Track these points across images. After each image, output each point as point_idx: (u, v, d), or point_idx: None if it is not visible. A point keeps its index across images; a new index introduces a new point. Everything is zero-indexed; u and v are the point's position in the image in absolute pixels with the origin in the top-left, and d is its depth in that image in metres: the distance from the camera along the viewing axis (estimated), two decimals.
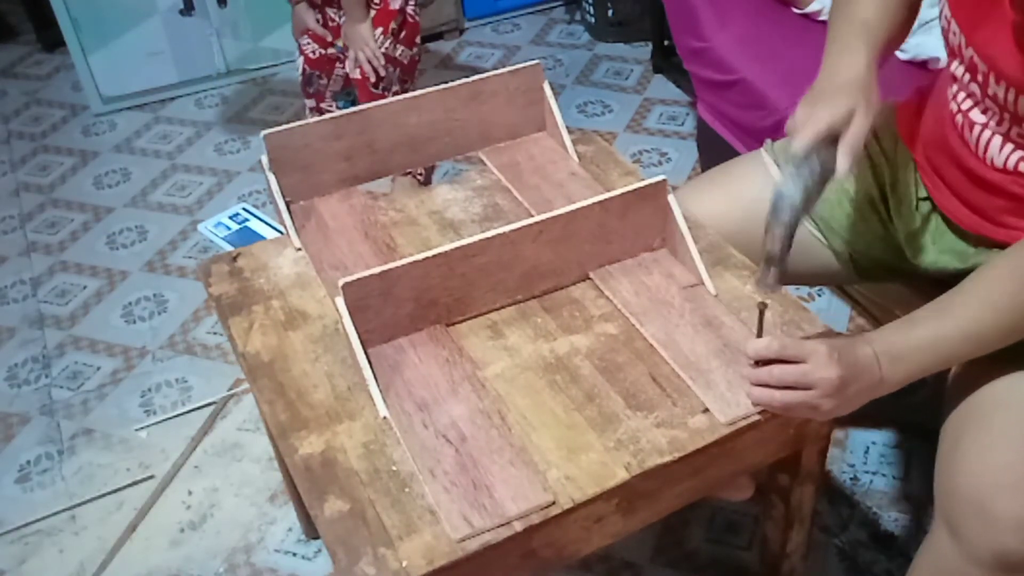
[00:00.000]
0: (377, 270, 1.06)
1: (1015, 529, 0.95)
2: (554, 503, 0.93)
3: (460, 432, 1.00)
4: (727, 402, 1.02)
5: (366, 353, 1.06)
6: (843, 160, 0.98)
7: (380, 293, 1.07)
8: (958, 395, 1.06)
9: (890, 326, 1.02)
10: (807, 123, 0.99)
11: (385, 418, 1.03)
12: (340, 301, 1.05)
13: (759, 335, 1.01)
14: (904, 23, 1.15)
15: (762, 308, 1.00)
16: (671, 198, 1.17)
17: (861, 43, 1.08)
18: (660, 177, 1.17)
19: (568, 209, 1.13)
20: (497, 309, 1.16)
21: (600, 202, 1.14)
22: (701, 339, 1.09)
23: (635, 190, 1.16)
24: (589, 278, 1.19)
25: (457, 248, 1.09)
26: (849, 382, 0.96)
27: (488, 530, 0.91)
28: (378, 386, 1.05)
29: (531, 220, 1.12)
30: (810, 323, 1.10)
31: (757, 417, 1.01)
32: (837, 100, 1.00)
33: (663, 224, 1.20)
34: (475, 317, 1.15)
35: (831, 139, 0.99)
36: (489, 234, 1.10)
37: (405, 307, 1.10)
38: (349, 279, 1.05)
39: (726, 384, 1.04)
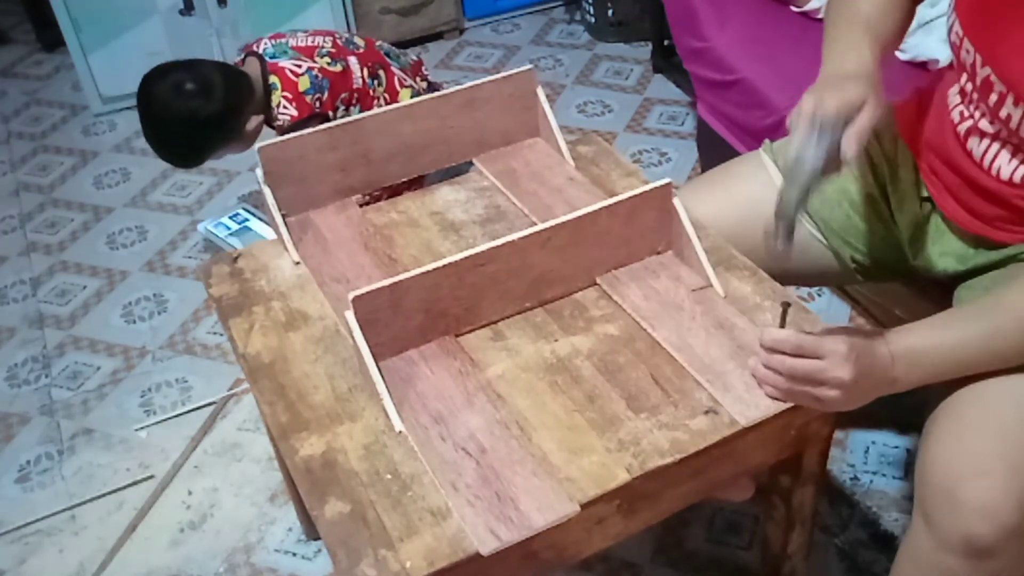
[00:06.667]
0: (387, 282, 1.04)
1: (982, 515, 0.96)
2: (580, 512, 0.93)
3: (479, 444, 0.99)
4: (746, 404, 1.01)
5: (378, 367, 1.05)
6: (850, 144, 0.93)
7: (390, 305, 1.06)
8: (942, 391, 1.06)
9: (911, 327, 1.01)
10: (815, 109, 0.95)
11: (401, 432, 1.02)
12: (350, 315, 1.04)
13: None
14: (903, 22, 1.13)
15: (785, 306, 1.00)
16: (676, 201, 1.17)
17: (865, 41, 1.05)
18: (665, 180, 1.16)
19: (575, 215, 1.12)
20: (506, 318, 1.15)
21: (607, 207, 1.14)
22: (715, 341, 1.09)
23: (640, 194, 1.15)
24: (597, 284, 1.19)
25: (466, 257, 1.08)
26: (860, 380, 0.96)
27: (517, 543, 0.90)
28: (392, 400, 1.03)
29: (539, 227, 1.11)
30: (811, 324, 1.10)
31: (776, 411, 1.00)
32: (847, 87, 0.97)
33: (669, 227, 1.20)
34: (484, 327, 1.14)
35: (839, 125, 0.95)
36: (498, 242, 1.09)
37: (415, 319, 1.09)
38: (359, 292, 1.03)
39: (744, 386, 1.03)
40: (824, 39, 1.11)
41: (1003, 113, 1.02)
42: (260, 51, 2.01)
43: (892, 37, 1.11)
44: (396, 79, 2.09)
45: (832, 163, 0.96)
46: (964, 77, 1.08)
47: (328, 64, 1.99)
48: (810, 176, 0.95)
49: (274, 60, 1.97)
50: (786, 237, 0.96)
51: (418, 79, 2.17)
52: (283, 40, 2.03)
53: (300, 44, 2.02)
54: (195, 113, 1.92)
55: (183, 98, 1.91)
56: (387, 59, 2.11)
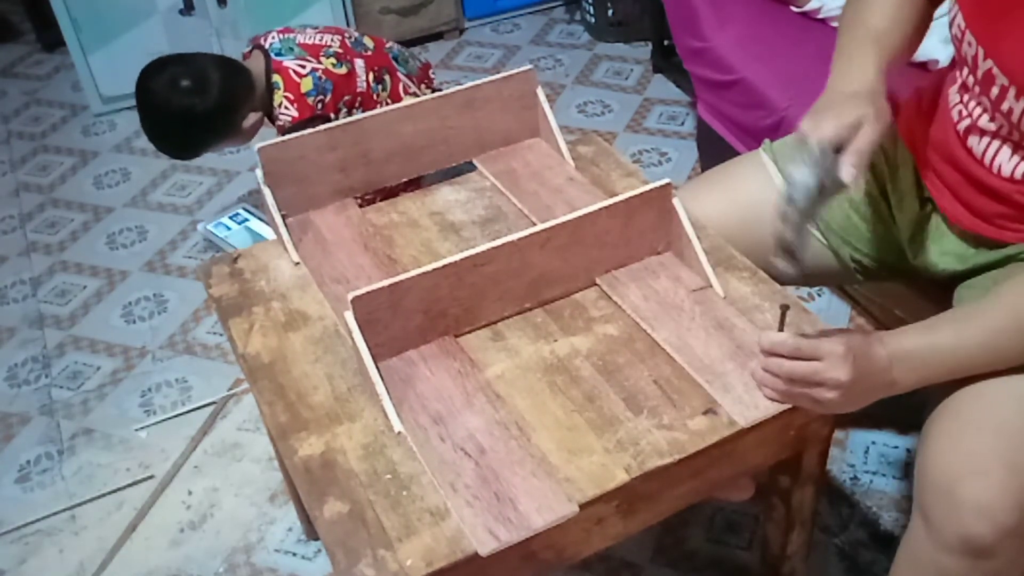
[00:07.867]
0: (387, 283, 1.04)
1: (979, 514, 0.96)
2: (579, 512, 0.93)
3: (478, 444, 0.99)
4: (745, 404, 1.01)
5: (377, 367, 1.05)
6: (847, 167, 0.95)
7: (389, 306, 1.06)
8: (941, 391, 1.06)
9: (908, 329, 1.01)
10: (812, 133, 0.97)
11: (400, 432, 1.02)
12: (349, 316, 1.04)
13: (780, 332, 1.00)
14: (914, 35, 1.13)
15: (784, 308, 1.00)
16: (676, 201, 1.17)
17: (870, 51, 1.06)
18: (665, 180, 1.16)
19: (575, 215, 1.12)
20: (505, 318, 1.15)
21: (606, 207, 1.14)
22: (714, 342, 1.09)
23: (640, 194, 1.15)
24: (596, 284, 1.19)
25: (466, 258, 1.08)
26: (857, 382, 0.96)
27: (515, 544, 0.91)
28: (391, 401, 1.04)
29: (539, 227, 1.11)
30: (811, 324, 1.10)
31: (776, 412, 1.01)
32: (844, 110, 0.98)
33: (668, 227, 1.20)
34: (484, 327, 1.14)
35: (837, 148, 0.97)
36: (497, 243, 1.09)
37: (414, 319, 1.09)
38: (359, 293, 1.03)
39: (743, 386, 1.03)
40: (835, 48, 1.11)
41: (1004, 107, 1.03)
42: (267, 46, 1.99)
43: (902, 49, 1.11)
44: (401, 86, 2.08)
45: (834, 186, 0.96)
46: (965, 71, 1.08)
47: (333, 66, 1.98)
48: (801, 207, 0.95)
49: (279, 58, 1.96)
50: (792, 261, 0.97)
51: (423, 87, 2.16)
52: (291, 35, 2.01)
53: (307, 42, 2.00)
54: (190, 109, 1.92)
55: (179, 94, 1.91)
56: (395, 64, 2.10)
